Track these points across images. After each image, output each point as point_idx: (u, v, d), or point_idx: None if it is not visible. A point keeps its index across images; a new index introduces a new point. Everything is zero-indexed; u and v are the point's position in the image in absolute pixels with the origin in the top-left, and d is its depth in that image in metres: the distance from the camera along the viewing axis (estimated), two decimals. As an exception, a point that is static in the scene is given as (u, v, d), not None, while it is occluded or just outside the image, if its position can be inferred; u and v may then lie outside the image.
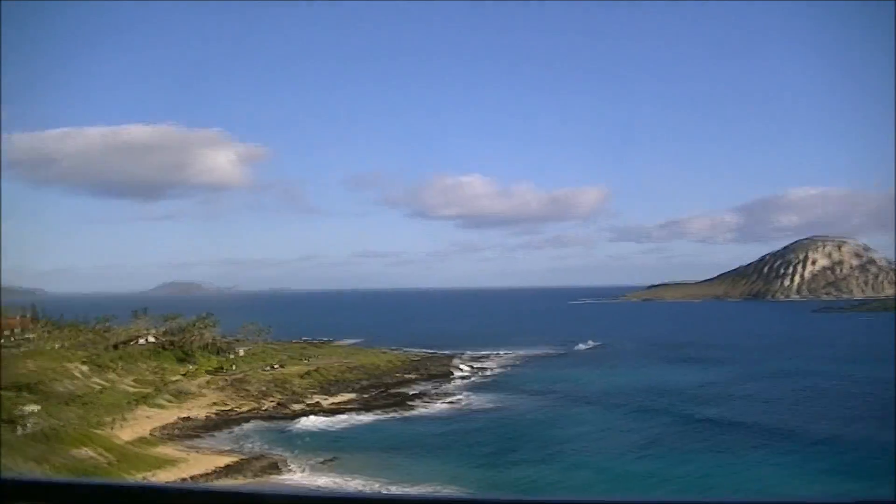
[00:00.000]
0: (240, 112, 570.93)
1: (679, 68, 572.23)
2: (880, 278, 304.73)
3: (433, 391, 79.57)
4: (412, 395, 76.43)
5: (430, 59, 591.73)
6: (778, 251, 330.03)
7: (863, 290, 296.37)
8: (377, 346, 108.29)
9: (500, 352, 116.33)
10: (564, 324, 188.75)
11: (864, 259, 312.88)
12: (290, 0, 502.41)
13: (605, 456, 51.80)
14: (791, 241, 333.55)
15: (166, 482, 36.77)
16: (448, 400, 75.09)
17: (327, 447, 55.19)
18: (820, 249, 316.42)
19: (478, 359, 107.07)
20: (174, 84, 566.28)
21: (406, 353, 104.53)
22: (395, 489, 41.92)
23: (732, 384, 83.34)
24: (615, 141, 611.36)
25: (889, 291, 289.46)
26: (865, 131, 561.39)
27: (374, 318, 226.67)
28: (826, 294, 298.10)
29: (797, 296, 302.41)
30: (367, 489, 42.23)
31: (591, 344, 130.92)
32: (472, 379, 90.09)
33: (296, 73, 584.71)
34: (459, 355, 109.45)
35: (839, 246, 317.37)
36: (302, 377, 77.92)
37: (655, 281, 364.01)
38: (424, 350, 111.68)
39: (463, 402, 73.53)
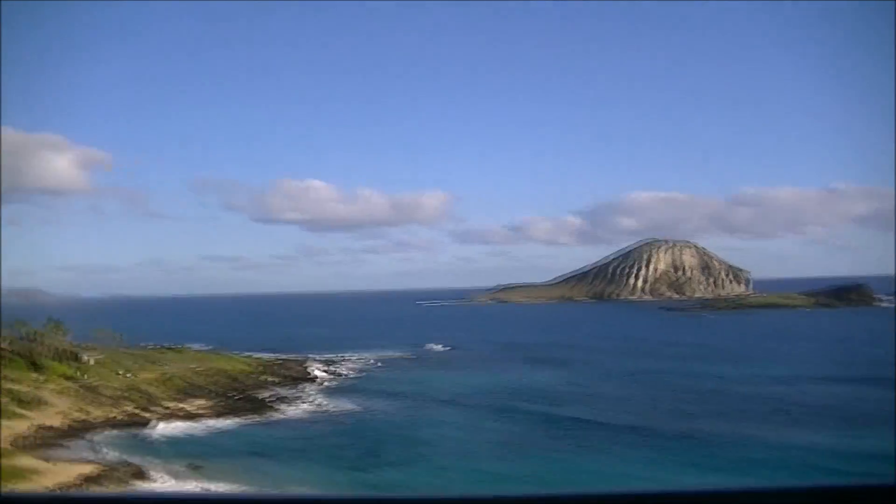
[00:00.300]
0: (79, 116, 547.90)
1: (516, 75, 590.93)
2: (719, 279, 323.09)
3: (292, 395, 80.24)
4: (272, 398, 76.67)
5: (272, 67, 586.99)
6: (622, 252, 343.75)
7: (703, 291, 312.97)
8: (227, 351, 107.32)
9: (354, 355, 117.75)
10: (415, 326, 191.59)
11: (703, 261, 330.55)
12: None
13: (472, 458, 53.65)
14: (634, 243, 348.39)
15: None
16: (308, 403, 76.01)
17: (191, 453, 55.23)
18: (662, 251, 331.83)
19: (333, 362, 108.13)
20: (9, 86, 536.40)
21: (259, 358, 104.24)
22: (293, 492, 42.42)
23: (588, 384, 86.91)
24: (457, 146, 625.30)
25: (729, 291, 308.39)
26: (697, 139, 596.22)
27: (221, 322, 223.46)
28: (669, 294, 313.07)
29: (642, 296, 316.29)
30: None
31: (443, 346, 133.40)
32: (330, 383, 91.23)
33: (136, 76, 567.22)
34: (313, 359, 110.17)
35: (680, 248, 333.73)
36: (157, 383, 76.83)
37: (501, 283, 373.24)
38: (277, 354, 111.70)
39: (323, 406, 74.64)
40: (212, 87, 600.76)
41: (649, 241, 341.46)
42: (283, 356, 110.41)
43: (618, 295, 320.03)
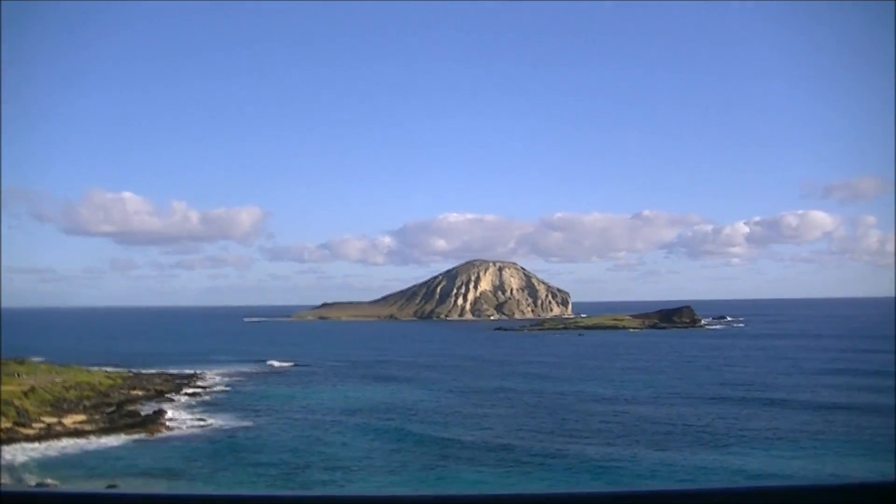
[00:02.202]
0: None
1: (328, 94, 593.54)
2: (543, 301, 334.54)
3: (168, 410, 76.87)
4: (152, 414, 73.19)
5: (82, 73, 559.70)
6: (446, 272, 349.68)
7: (526, 312, 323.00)
8: (73, 364, 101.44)
9: (208, 370, 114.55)
10: (249, 342, 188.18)
11: (527, 282, 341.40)
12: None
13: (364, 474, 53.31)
14: (448, 264, 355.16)
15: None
16: (191, 418, 73.09)
17: (93, 473, 52.01)
18: (485, 272, 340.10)
19: (191, 377, 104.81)
20: None
21: (118, 372, 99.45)
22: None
23: (439, 401, 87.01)
24: (271, 162, 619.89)
25: (555, 312, 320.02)
26: (510, 163, 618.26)
27: (47, 336, 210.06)
28: (492, 314, 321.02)
29: (467, 316, 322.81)
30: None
31: (287, 363, 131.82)
32: (200, 398, 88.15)
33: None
34: (170, 373, 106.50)
35: (502, 269, 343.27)
36: (23, 397, 71.69)
37: (314, 301, 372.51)
38: (129, 369, 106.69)
39: (206, 422, 71.87)
40: (18, 87, 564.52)
41: (474, 261, 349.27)
42: (136, 370, 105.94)
43: (446, 315, 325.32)
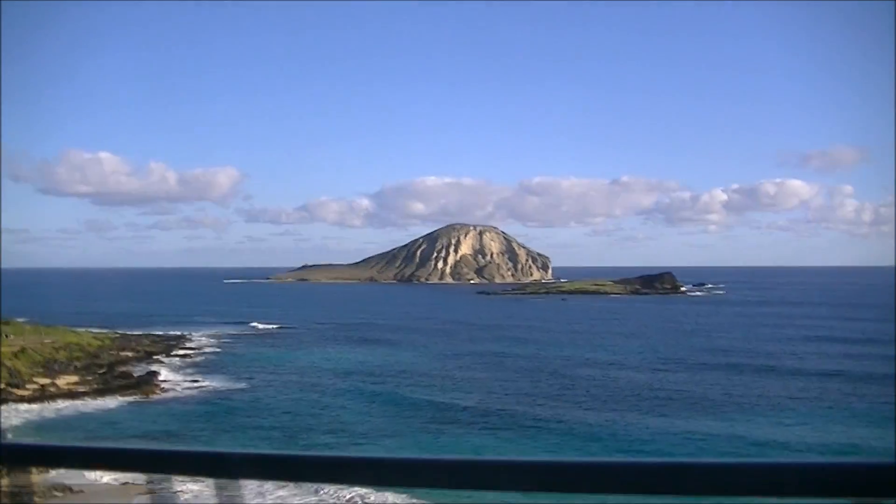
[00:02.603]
0: None
1: (306, 55, 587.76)
2: (523, 265, 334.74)
3: (161, 371, 76.21)
4: (145, 375, 72.47)
5: (62, 35, 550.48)
6: (426, 236, 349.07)
7: (506, 276, 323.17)
8: (56, 325, 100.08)
9: (194, 331, 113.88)
10: (232, 304, 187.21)
11: (507, 246, 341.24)
12: None
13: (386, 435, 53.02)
14: (426, 227, 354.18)
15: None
16: (182, 381, 72.41)
17: (93, 435, 51.32)
18: (465, 235, 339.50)
19: (178, 338, 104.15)
20: None
21: (106, 333, 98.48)
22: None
23: (429, 365, 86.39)
24: (247, 122, 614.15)
25: (535, 276, 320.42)
26: (490, 127, 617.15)
27: (28, 295, 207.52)
28: (473, 278, 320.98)
29: (447, 279, 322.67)
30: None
31: (272, 325, 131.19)
32: (191, 359, 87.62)
33: None
34: (156, 334, 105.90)
35: (483, 233, 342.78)
36: (13, 357, 70.63)
37: (291, 263, 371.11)
38: (116, 329, 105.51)
39: (199, 383, 71.31)
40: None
41: (455, 225, 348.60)
42: (122, 331, 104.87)
43: (423, 278, 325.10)
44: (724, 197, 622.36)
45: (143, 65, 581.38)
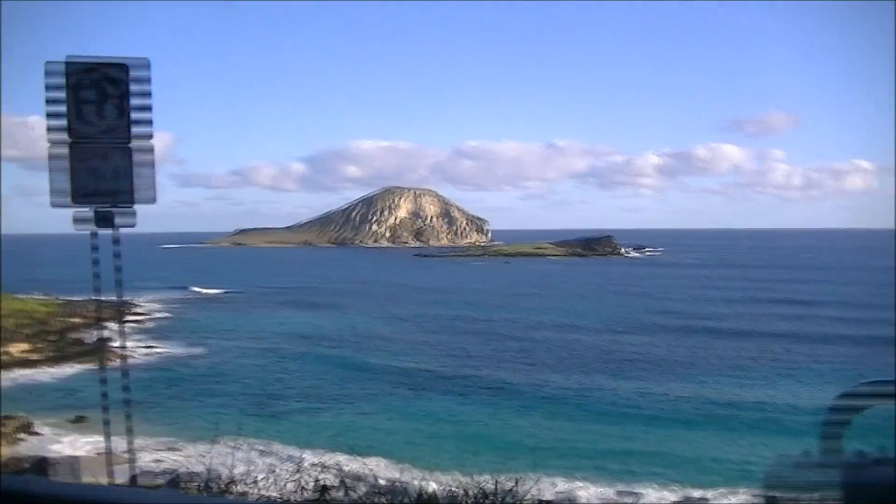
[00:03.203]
0: None
1: (243, 16, 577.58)
2: (461, 228, 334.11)
3: (112, 337, 74.21)
4: (99, 342, 70.47)
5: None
6: (363, 199, 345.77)
7: (444, 239, 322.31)
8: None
9: (138, 297, 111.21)
10: (172, 269, 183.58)
11: (444, 209, 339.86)
12: None
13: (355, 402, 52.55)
14: (360, 191, 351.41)
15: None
16: (137, 346, 70.81)
17: (60, 404, 49.99)
18: (403, 199, 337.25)
19: (121, 303, 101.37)
20: None
21: (48, 299, 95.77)
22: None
23: (379, 329, 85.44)
24: (181, 86, 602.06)
25: (472, 240, 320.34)
26: (425, 90, 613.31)
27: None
28: (410, 241, 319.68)
29: (384, 243, 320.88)
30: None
31: (215, 289, 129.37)
32: (142, 324, 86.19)
33: None
34: (103, 300, 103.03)
35: (420, 196, 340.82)
36: (-42, 325, 68.21)
37: (223, 228, 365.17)
38: (59, 296, 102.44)
39: (155, 349, 69.90)
40: None
41: (392, 188, 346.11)
42: (67, 297, 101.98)
43: (360, 241, 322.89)
44: (658, 160, 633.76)
45: (75, 26, 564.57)
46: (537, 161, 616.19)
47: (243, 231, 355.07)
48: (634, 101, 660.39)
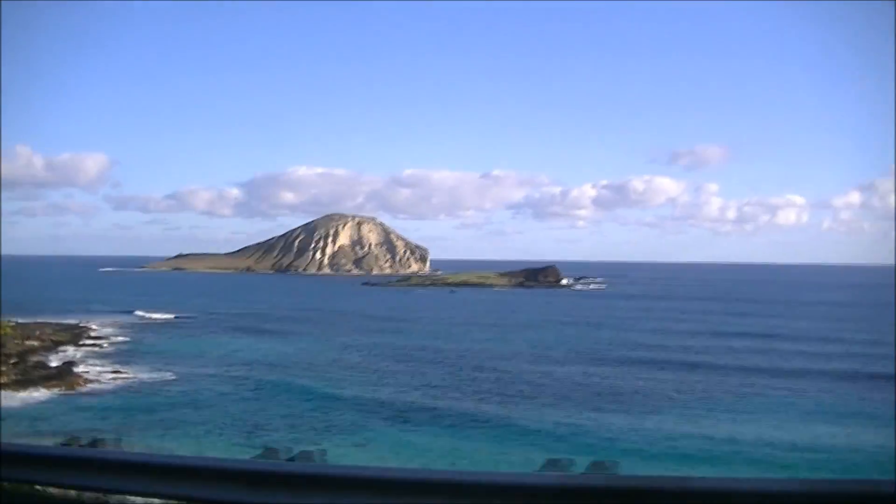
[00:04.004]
0: None
1: (181, 45, 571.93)
2: (402, 256, 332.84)
3: (75, 361, 71.48)
4: (63, 366, 67.71)
5: None
6: (304, 226, 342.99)
7: (384, 267, 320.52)
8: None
9: (89, 320, 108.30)
10: (117, 293, 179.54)
11: (385, 237, 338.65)
12: None
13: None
14: (296, 217, 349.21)
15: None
16: (102, 371, 68.03)
17: (38, 431, 47.08)
18: (343, 226, 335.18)
19: (79, 327, 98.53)
20: None
21: (5, 322, 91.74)
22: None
23: (336, 356, 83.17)
24: (118, 107, 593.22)
25: (413, 268, 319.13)
26: (364, 118, 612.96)
27: None
28: (350, 269, 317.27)
29: (324, 270, 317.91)
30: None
31: (169, 314, 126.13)
32: (102, 349, 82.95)
33: None
34: (54, 322, 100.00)
35: (361, 224, 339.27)
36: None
37: (159, 252, 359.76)
38: (13, 318, 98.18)
39: (122, 375, 66.93)
40: None
41: (333, 215, 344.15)
42: (13, 319, 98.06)
43: (301, 268, 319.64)
44: (594, 192, 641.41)
45: (10, 44, 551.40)
46: (474, 190, 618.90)
47: (181, 256, 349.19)
48: (572, 131, 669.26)
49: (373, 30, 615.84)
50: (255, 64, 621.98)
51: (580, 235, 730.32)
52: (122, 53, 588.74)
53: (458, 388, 67.00)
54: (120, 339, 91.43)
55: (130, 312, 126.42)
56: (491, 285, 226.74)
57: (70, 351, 79.38)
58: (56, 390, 58.74)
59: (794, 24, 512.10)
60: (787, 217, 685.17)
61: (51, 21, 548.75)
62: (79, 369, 67.29)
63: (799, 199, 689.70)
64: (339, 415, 55.32)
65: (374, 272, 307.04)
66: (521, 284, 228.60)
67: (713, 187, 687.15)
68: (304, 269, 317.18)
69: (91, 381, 63.01)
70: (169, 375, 67.20)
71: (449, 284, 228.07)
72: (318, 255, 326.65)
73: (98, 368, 69.22)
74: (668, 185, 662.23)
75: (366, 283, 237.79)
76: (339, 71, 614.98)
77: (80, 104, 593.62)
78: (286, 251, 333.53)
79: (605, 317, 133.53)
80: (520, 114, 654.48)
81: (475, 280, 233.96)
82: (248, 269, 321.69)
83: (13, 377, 62.01)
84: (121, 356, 77.58)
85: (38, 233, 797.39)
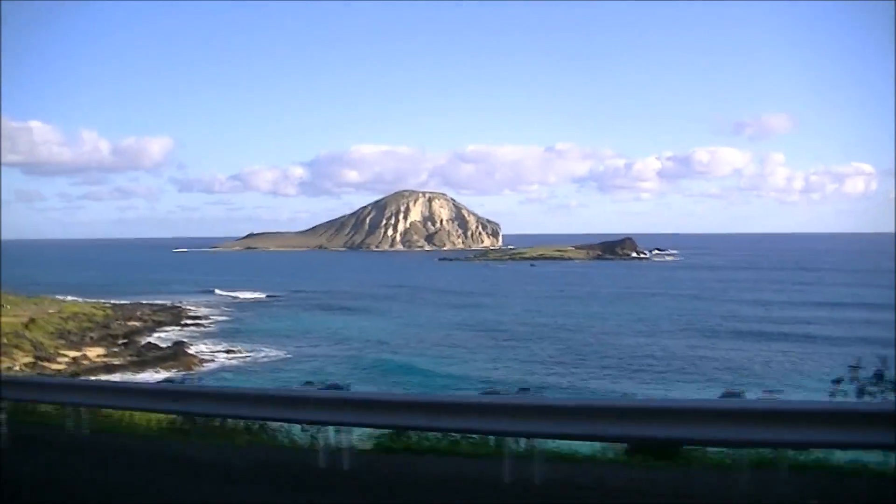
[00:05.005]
0: None
1: (242, 25, 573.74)
2: (473, 232, 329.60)
3: (185, 340, 69.49)
4: (174, 346, 65.69)
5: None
6: (375, 203, 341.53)
7: (454, 243, 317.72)
8: (38, 295, 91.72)
9: (182, 300, 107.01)
10: (198, 273, 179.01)
11: (456, 213, 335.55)
12: None
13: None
14: (360, 196, 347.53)
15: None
16: (212, 351, 65.89)
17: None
18: (414, 202, 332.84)
19: (176, 308, 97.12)
20: None
21: (100, 303, 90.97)
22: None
23: (454, 337, 78.91)
24: (181, 91, 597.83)
25: (486, 243, 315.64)
26: (426, 95, 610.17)
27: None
28: (423, 245, 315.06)
29: (397, 247, 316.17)
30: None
31: (259, 294, 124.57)
32: (205, 328, 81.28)
33: None
34: (153, 303, 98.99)
35: (432, 199, 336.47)
36: (24, 329, 63.11)
37: (223, 233, 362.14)
38: (100, 300, 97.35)
39: (236, 353, 64.71)
40: None
41: (403, 191, 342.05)
42: (108, 301, 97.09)
43: (377, 245, 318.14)
44: (658, 164, 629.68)
45: (74, 32, 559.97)
46: (537, 165, 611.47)
47: (252, 235, 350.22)
48: (635, 104, 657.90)
49: (433, 7, 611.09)
50: (317, 43, 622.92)
51: (645, 208, 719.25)
52: (185, 38, 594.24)
53: (580, 363, 63.50)
54: (220, 318, 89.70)
55: (212, 292, 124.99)
56: (569, 258, 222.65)
57: (174, 331, 77.57)
58: (174, 370, 56.55)
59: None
60: (855, 186, 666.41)
61: (115, 12, 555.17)
62: (191, 350, 65.20)
63: (867, 167, 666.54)
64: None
65: (447, 248, 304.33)
66: (598, 257, 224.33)
67: (779, 157, 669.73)
68: (377, 246, 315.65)
69: (207, 361, 60.87)
70: (284, 353, 64.79)
71: (527, 258, 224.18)
72: (390, 231, 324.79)
73: (209, 348, 67.13)
74: (733, 156, 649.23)
75: (443, 259, 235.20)
76: (401, 48, 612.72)
77: (144, 88, 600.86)
78: (357, 228, 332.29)
79: (699, 288, 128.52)
80: (583, 87, 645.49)
81: (553, 253, 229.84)
82: (320, 246, 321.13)
83: (128, 358, 60.11)
84: (227, 335, 75.40)
85: (104, 216, 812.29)
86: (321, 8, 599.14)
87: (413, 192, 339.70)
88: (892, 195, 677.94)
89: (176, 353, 62.03)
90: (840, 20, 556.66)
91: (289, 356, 63.96)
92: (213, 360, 61.31)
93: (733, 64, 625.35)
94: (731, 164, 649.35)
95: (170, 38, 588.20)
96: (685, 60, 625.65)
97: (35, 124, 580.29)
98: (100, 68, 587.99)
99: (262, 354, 64.20)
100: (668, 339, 74.89)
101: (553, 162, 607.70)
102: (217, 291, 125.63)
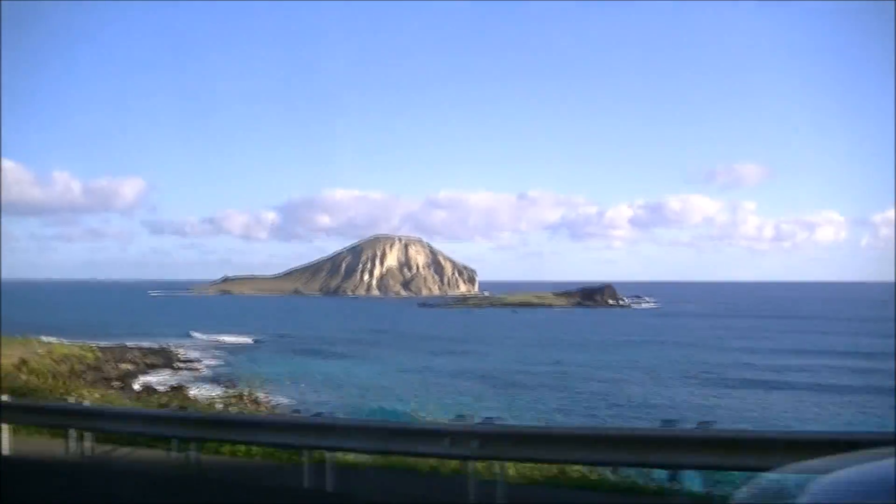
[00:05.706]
0: None
1: (209, 67, 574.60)
2: (450, 278, 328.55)
3: (183, 384, 67.21)
4: (175, 390, 63.31)
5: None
6: (350, 248, 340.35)
7: (430, 289, 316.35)
8: (20, 335, 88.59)
9: (171, 342, 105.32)
10: (179, 316, 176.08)
11: (433, 258, 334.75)
12: None
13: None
14: (332, 241, 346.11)
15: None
16: (209, 396, 63.48)
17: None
18: (391, 247, 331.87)
19: (165, 350, 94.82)
20: None
21: (86, 344, 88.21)
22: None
23: (433, 380, 77.91)
24: (153, 133, 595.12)
25: (462, 289, 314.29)
26: (400, 140, 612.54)
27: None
28: (398, 291, 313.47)
29: (374, 292, 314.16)
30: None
31: (246, 338, 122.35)
32: (199, 372, 79.18)
33: None
34: (140, 345, 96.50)
35: (408, 245, 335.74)
36: (17, 370, 60.41)
37: (196, 276, 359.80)
38: (91, 341, 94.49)
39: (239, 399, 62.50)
40: None
41: (379, 236, 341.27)
42: (101, 343, 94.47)
43: (352, 290, 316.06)
44: (630, 212, 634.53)
45: (46, 69, 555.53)
46: (510, 212, 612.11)
47: (227, 279, 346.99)
48: (608, 151, 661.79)
49: (407, 53, 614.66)
50: (289, 87, 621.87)
51: (617, 256, 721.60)
52: (159, 79, 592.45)
53: (590, 413, 61.99)
54: (212, 362, 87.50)
55: (198, 335, 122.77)
56: (549, 305, 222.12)
57: (167, 374, 75.31)
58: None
59: (830, 39, 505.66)
60: (825, 234, 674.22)
61: (89, 52, 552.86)
62: (191, 393, 62.88)
63: (836, 216, 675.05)
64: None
65: (424, 293, 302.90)
66: (578, 304, 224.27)
67: (750, 205, 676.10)
68: (353, 292, 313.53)
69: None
70: (287, 400, 62.65)
71: (507, 304, 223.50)
72: (367, 276, 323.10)
73: (209, 393, 64.75)
74: (705, 204, 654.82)
75: (423, 304, 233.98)
76: (374, 94, 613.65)
77: (117, 129, 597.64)
78: (333, 273, 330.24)
79: (685, 335, 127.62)
80: (556, 134, 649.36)
81: (533, 300, 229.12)
82: (296, 291, 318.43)
83: (127, 402, 57.63)
84: (223, 379, 73.02)
85: (76, 257, 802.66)
86: (295, 53, 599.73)
87: (389, 237, 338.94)
88: (861, 243, 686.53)
89: (176, 397, 59.68)
90: (814, 72, 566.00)
91: (295, 403, 61.85)
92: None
93: (707, 113, 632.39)
94: (702, 212, 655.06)
95: (144, 80, 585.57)
96: (659, 108, 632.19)
97: (6, 164, 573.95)
98: (73, 108, 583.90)
99: (276, 400, 62.09)
100: (677, 388, 73.72)
101: (525, 209, 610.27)
102: (202, 335, 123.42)
